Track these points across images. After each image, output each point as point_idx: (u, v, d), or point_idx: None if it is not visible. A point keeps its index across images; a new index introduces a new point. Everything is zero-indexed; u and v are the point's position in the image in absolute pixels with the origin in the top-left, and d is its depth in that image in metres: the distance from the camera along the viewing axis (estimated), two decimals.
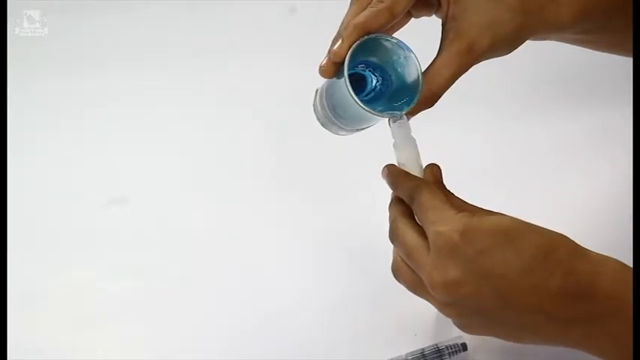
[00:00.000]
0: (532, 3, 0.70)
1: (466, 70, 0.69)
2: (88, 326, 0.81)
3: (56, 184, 0.97)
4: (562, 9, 0.71)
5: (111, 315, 0.83)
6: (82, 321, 0.82)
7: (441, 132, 0.94)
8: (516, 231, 0.64)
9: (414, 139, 0.69)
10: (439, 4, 0.71)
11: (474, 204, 0.67)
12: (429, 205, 0.66)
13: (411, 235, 0.66)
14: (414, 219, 0.68)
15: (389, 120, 0.69)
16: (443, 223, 0.64)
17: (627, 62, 0.77)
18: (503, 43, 0.70)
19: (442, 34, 0.70)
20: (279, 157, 0.99)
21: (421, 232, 0.66)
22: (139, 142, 1.02)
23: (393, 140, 0.69)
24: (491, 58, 0.70)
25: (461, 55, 0.68)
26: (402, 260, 0.68)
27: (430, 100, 0.69)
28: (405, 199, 0.68)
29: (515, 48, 0.71)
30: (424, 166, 0.70)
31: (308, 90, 0.80)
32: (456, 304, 0.64)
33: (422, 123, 0.70)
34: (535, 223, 0.64)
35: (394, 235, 0.68)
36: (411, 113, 0.69)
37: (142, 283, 0.86)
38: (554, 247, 0.63)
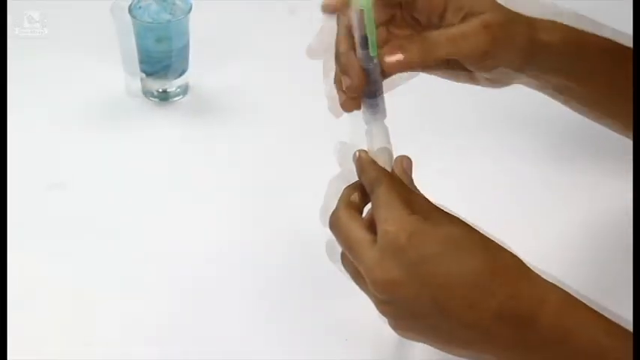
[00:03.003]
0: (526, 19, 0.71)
1: (478, 52, 0.68)
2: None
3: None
4: (549, 32, 0.71)
5: (41, 299, 0.83)
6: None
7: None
8: (466, 243, 0.63)
9: (387, 128, 0.68)
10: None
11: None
12: (383, 201, 0.65)
13: (354, 228, 0.65)
14: (360, 212, 0.67)
15: (364, 107, 0.68)
16: (393, 223, 0.63)
17: None
18: (512, 39, 0.69)
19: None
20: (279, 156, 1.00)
21: (365, 225, 0.65)
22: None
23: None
24: (502, 57, 0.70)
25: (475, 29, 0.68)
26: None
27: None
28: (366, 188, 0.67)
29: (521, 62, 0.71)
30: (395, 157, 0.68)
31: (307, 90, 0.81)
32: (392, 303, 0.63)
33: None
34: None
35: (335, 226, 0.67)
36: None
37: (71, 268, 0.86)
38: (500, 267, 0.63)
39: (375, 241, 0.64)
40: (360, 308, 0.68)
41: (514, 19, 0.70)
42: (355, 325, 0.79)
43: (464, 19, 0.68)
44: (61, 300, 0.83)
